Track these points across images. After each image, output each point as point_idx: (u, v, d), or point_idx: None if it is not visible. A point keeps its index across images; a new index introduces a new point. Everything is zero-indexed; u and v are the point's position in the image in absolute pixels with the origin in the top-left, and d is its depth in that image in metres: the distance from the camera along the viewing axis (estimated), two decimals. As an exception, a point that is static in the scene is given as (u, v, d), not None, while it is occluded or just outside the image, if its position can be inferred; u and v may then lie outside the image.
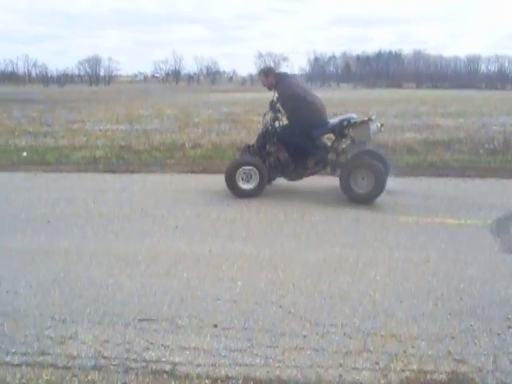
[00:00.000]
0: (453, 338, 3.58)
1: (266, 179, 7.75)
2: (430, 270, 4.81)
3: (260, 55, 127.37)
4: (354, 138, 7.68)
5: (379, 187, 7.26)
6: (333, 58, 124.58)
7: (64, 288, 4.49)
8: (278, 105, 7.85)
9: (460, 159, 10.97)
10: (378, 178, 7.24)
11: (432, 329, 3.69)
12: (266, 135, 7.96)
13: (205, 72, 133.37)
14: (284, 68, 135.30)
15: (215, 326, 3.77)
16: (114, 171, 10.09)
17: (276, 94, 7.86)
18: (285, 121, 8.01)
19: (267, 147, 7.95)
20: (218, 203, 7.39)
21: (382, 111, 24.32)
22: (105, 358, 3.40)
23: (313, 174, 7.98)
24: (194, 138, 14.29)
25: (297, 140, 7.74)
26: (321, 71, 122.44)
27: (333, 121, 7.83)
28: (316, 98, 7.85)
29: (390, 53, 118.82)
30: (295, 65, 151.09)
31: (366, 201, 7.29)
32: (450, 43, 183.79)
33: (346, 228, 6.22)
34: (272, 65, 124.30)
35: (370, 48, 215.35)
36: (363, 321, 3.82)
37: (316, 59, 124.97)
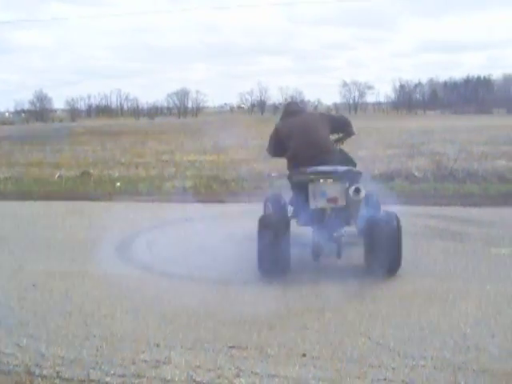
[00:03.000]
0: (550, 375, 3.45)
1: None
2: (525, 304, 4.66)
3: (345, 84, 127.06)
4: None
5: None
6: (419, 85, 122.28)
7: (156, 314, 4.68)
8: None
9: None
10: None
11: (527, 365, 3.58)
12: None
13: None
14: (369, 96, 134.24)
15: (304, 355, 3.82)
16: (203, 201, 10.37)
17: None
18: None
19: None
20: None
21: (471, 138, 23.71)
22: (197, 382, 3.50)
23: None
24: (281, 167, 14.45)
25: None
26: (407, 99, 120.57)
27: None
28: (295, 141, 6.16)
29: (479, 78, 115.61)
30: (381, 93, 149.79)
31: None
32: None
33: (435, 259, 6.12)
34: (356, 93, 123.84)
35: (458, 74, 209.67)
36: (454, 355, 3.74)
37: (402, 87, 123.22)
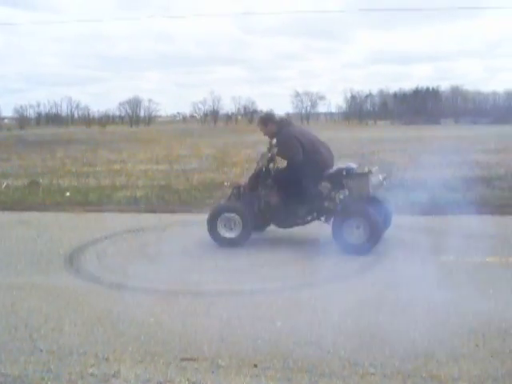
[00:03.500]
0: (495, 379, 3.52)
1: (250, 227, 7.34)
2: (471, 310, 4.74)
3: (297, 94, 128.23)
4: (351, 190, 7.14)
5: (374, 238, 6.80)
6: (370, 95, 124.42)
7: (106, 327, 4.59)
8: (275, 150, 7.46)
9: (500, 196, 10.84)
10: (373, 227, 6.79)
11: (473, 370, 3.64)
12: (259, 177, 7.52)
13: (242, 112, 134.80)
14: (321, 107, 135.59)
15: (255, 365, 3.80)
16: (154, 211, 10.29)
17: (274, 141, 7.52)
18: (280, 163, 7.65)
19: (259, 190, 7.47)
20: (258, 242, 7.44)
21: (420, 148, 24.22)
22: (147, 396, 3.46)
23: (306, 222, 7.51)
24: (232, 177, 14.47)
25: (291, 186, 7.30)
26: (358, 109, 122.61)
27: (330, 169, 7.34)
28: (319, 147, 7.46)
29: (428, 89, 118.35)
30: (332, 103, 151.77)
31: (359, 251, 6.71)
32: (488, 78, 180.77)
33: (384, 267, 6.21)
34: (308, 104, 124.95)
35: (407, 85, 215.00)
36: (403, 362, 3.79)
37: (353, 97, 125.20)
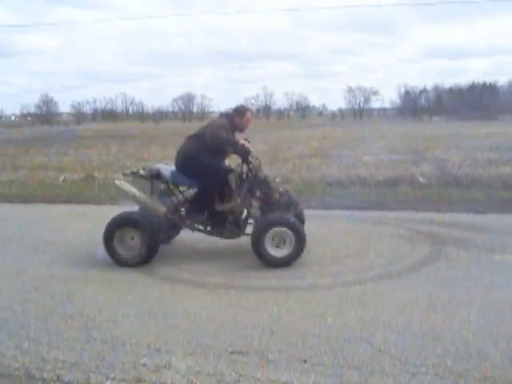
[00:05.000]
0: (552, 383, 3.43)
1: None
2: (528, 311, 4.63)
3: (350, 89, 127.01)
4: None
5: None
6: (424, 91, 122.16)
7: (158, 318, 4.67)
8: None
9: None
10: None
11: (529, 373, 3.55)
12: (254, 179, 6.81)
13: (295, 107, 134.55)
14: (374, 102, 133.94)
15: (305, 361, 3.80)
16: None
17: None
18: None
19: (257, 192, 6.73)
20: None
21: (476, 145, 23.64)
22: (197, 387, 3.50)
23: None
24: (284, 173, 14.45)
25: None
26: (412, 104, 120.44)
27: None
28: None
29: (484, 84, 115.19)
30: (386, 99, 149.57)
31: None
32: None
33: (438, 266, 6.10)
34: (361, 99, 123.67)
35: (463, 80, 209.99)
36: (455, 362, 3.72)
37: (407, 92, 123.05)
